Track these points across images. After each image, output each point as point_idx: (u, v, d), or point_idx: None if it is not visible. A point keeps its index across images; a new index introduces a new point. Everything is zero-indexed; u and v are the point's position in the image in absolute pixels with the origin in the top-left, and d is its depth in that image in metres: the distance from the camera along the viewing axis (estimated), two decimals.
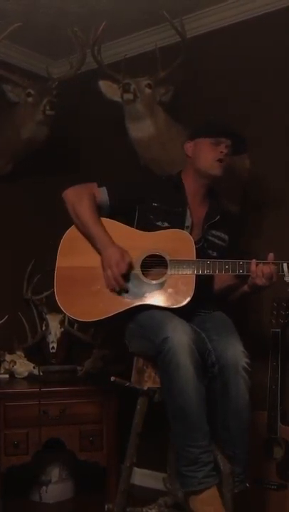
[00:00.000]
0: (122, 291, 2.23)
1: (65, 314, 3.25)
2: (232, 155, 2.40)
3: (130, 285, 2.24)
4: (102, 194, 2.37)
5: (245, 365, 2.12)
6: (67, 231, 2.39)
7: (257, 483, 2.49)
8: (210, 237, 2.37)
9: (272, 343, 2.60)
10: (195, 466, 1.99)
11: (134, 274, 2.25)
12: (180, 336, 2.03)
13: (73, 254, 2.34)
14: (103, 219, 2.35)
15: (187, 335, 2.05)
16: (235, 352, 2.13)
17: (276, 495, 2.48)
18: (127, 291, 2.23)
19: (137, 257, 2.26)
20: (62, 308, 2.28)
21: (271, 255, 2.17)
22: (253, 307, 2.84)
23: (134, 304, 2.22)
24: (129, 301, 2.23)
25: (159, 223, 2.33)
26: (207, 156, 2.33)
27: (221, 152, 2.31)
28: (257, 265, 2.16)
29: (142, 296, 2.22)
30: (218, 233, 2.40)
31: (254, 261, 2.16)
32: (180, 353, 2.01)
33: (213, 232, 2.39)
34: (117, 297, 2.24)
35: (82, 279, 2.29)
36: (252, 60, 2.96)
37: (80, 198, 2.35)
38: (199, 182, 2.39)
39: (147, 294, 2.22)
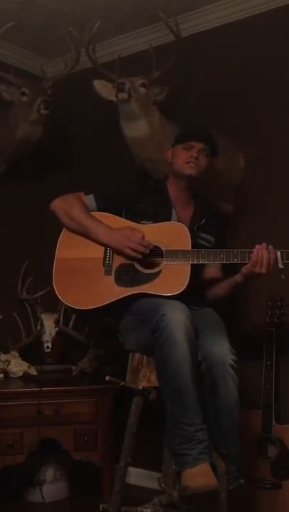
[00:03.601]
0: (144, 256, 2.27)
1: (59, 314, 3.30)
2: (209, 157, 2.46)
3: (126, 274, 2.30)
4: (90, 201, 2.45)
5: (232, 362, 2.13)
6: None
7: (251, 483, 2.49)
8: (198, 239, 2.42)
9: (266, 342, 2.60)
10: (190, 443, 1.99)
11: (130, 264, 2.30)
12: (177, 314, 2.07)
13: (72, 247, 2.39)
14: (97, 213, 2.42)
15: (184, 314, 2.08)
16: (221, 349, 2.14)
17: (270, 494, 2.49)
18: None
19: None
20: (59, 297, 2.32)
21: (264, 245, 2.22)
22: (248, 306, 2.84)
23: (130, 293, 2.26)
24: (125, 290, 2.27)
25: (143, 222, 2.38)
26: (179, 159, 2.43)
27: (192, 156, 2.40)
28: (258, 252, 2.21)
29: (137, 285, 2.26)
30: (203, 235, 2.45)
31: (257, 246, 2.22)
32: (176, 330, 2.03)
33: (199, 233, 2.43)
34: (113, 286, 2.29)
35: (80, 269, 2.34)
36: (248, 59, 2.96)
37: (70, 203, 2.43)
38: (180, 185, 2.47)
39: (143, 283, 2.26)
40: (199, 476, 1.96)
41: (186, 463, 1.99)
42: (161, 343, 2.05)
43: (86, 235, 2.37)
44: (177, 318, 2.05)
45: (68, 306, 2.36)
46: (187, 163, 2.39)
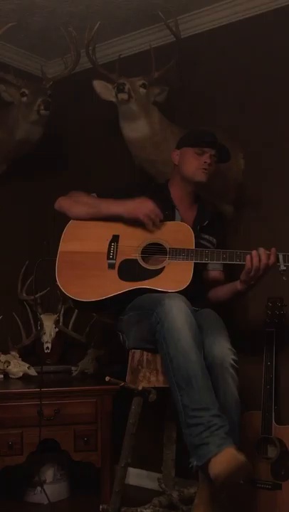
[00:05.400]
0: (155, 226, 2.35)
1: (59, 314, 3.30)
2: (218, 163, 2.49)
3: (129, 270, 2.33)
4: None
5: (233, 363, 2.14)
6: (70, 221, 2.49)
7: (251, 483, 2.49)
8: (200, 240, 2.44)
9: (266, 342, 2.60)
10: (209, 430, 1.91)
11: (134, 259, 2.34)
12: (176, 302, 2.10)
13: (75, 241, 2.43)
14: None
15: (184, 302, 2.11)
16: (221, 349, 2.15)
17: (270, 494, 2.49)
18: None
19: (138, 245, 2.36)
20: (62, 288, 2.34)
21: (273, 249, 2.23)
22: (248, 306, 2.84)
23: (132, 287, 2.29)
24: (128, 284, 2.30)
25: None
26: (191, 164, 2.45)
27: (205, 162, 2.42)
28: (251, 259, 2.21)
29: (140, 280, 2.30)
30: (206, 236, 2.49)
31: (254, 251, 2.22)
32: (177, 318, 2.06)
33: (201, 234, 2.47)
34: (116, 280, 2.32)
35: (83, 262, 2.38)
36: (247, 59, 2.96)
37: (75, 194, 2.50)
38: (186, 188, 2.51)
39: (146, 279, 2.29)
40: (227, 458, 1.86)
41: (209, 452, 1.89)
42: (165, 333, 2.07)
43: (98, 213, 2.41)
44: (177, 306, 2.08)
45: (71, 298, 2.37)
46: (200, 169, 2.42)
